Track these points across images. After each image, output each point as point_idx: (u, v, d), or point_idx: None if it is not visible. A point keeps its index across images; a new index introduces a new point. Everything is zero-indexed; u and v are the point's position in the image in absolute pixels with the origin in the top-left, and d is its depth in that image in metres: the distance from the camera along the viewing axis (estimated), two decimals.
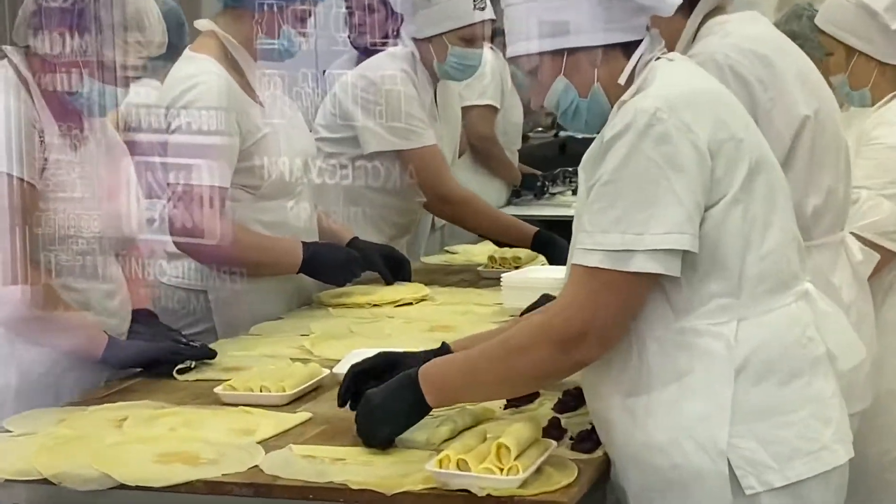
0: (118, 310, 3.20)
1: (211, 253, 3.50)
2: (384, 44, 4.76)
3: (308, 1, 3.58)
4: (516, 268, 4.18)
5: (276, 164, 3.58)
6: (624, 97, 2.39)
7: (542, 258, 4.28)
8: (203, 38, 3.67)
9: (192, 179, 3.43)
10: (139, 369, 3.12)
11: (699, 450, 2.32)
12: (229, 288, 3.61)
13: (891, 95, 3.39)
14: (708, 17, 3.04)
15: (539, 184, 6.28)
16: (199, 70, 3.56)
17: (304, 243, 3.68)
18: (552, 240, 4.24)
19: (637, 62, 2.45)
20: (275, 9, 3.54)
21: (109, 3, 3.01)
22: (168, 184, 3.48)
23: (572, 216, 2.49)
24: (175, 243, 3.51)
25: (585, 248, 2.29)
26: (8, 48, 3.03)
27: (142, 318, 3.28)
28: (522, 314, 3.08)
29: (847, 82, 3.40)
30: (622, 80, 2.43)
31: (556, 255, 4.08)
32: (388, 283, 3.96)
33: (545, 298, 3.17)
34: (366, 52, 4.95)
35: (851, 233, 3.18)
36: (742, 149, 2.34)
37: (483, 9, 4.18)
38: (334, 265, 3.75)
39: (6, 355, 2.98)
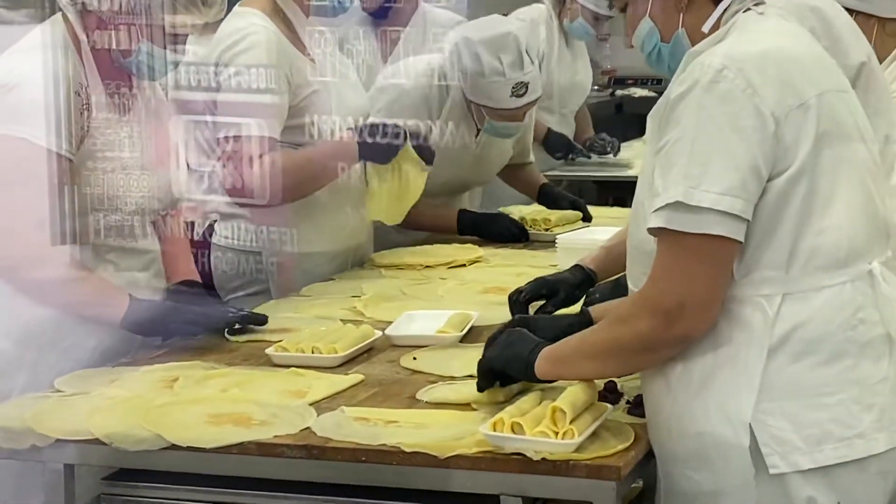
0: (153, 277, 3.21)
1: (263, 195, 3.49)
2: None
3: None
4: (546, 230, 4.27)
5: (326, 122, 3.57)
6: (698, 47, 2.36)
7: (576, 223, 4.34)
8: None
9: (239, 130, 3.43)
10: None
11: (724, 420, 2.29)
12: (282, 249, 3.61)
13: None
14: None
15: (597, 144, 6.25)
16: (247, 24, 3.55)
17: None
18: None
19: (724, 11, 2.41)
20: None
21: None
22: (217, 140, 3.48)
23: (629, 177, 2.48)
24: (228, 192, 3.51)
25: (654, 210, 2.27)
26: (63, 1, 3.02)
27: (185, 288, 3.27)
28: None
29: None
30: (706, 29, 2.40)
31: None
32: None
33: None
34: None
35: None
36: (809, 117, 2.28)
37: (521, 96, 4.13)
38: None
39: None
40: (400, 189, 3.73)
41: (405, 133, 3.67)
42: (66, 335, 2.98)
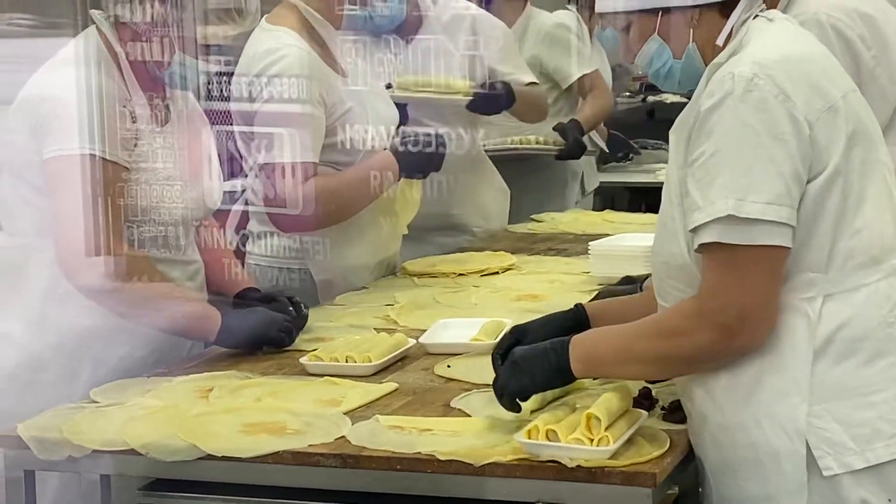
0: (198, 288, 3.23)
1: (305, 221, 3.52)
2: None
3: None
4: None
5: (363, 138, 3.58)
6: (718, 58, 2.36)
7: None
8: (281, 8, 3.64)
9: (282, 156, 3.43)
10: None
11: (777, 429, 2.29)
12: (316, 262, 3.65)
13: None
14: None
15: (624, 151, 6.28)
16: (280, 44, 3.52)
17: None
18: None
19: (735, 22, 2.42)
20: None
21: None
22: (260, 166, 3.49)
23: (661, 183, 2.48)
24: (269, 217, 3.54)
25: (699, 224, 2.26)
26: (96, 14, 3.03)
27: (249, 296, 3.29)
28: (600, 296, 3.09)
29: None
30: (720, 42, 2.40)
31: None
32: None
33: (628, 280, 3.18)
34: None
35: None
36: (839, 118, 2.30)
37: None
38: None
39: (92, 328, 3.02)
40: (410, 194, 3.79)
41: (444, 142, 3.69)
42: (103, 344, 3.00)
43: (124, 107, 3.00)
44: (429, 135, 3.68)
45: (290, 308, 3.19)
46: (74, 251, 2.89)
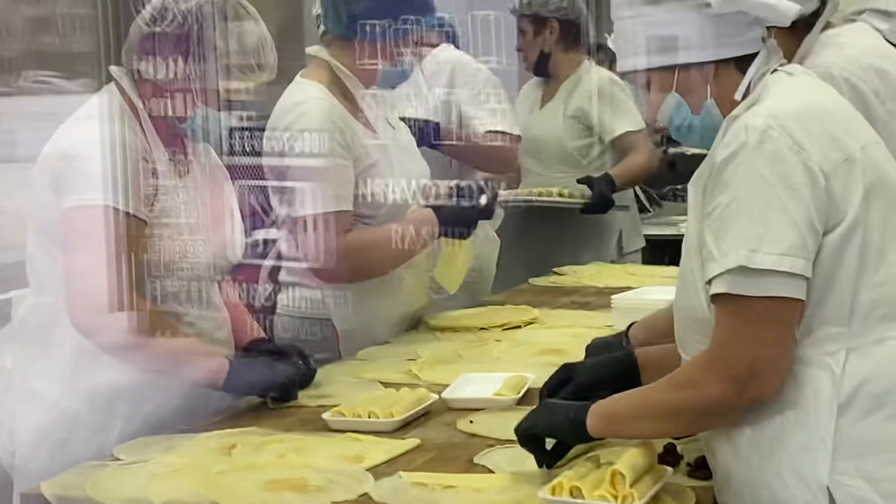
0: (226, 341, 3.24)
1: (343, 273, 3.58)
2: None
3: (416, 23, 3.61)
4: None
5: (384, 192, 3.60)
6: (735, 111, 2.37)
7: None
8: (313, 63, 3.72)
9: (317, 208, 3.46)
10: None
11: (801, 485, 2.27)
12: (345, 316, 3.67)
13: None
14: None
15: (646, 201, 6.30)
16: (308, 97, 3.60)
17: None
18: None
19: (753, 76, 2.43)
20: (388, 34, 3.58)
21: (224, 29, 3.05)
22: (295, 218, 3.51)
23: (683, 235, 2.48)
24: (311, 269, 3.57)
25: (715, 275, 2.26)
26: (115, 70, 3.06)
27: (259, 347, 3.30)
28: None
29: None
30: (738, 96, 2.41)
31: None
32: None
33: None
34: None
35: None
36: (856, 170, 2.29)
37: None
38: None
39: (113, 384, 3.02)
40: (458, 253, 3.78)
41: (488, 196, 3.73)
42: (134, 399, 3.01)
43: (145, 161, 3.01)
44: (471, 188, 3.71)
45: (299, 361, 3.20)
46: (92, 306, 2.90)
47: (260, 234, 3.66)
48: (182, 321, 3.10)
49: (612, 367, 2.68)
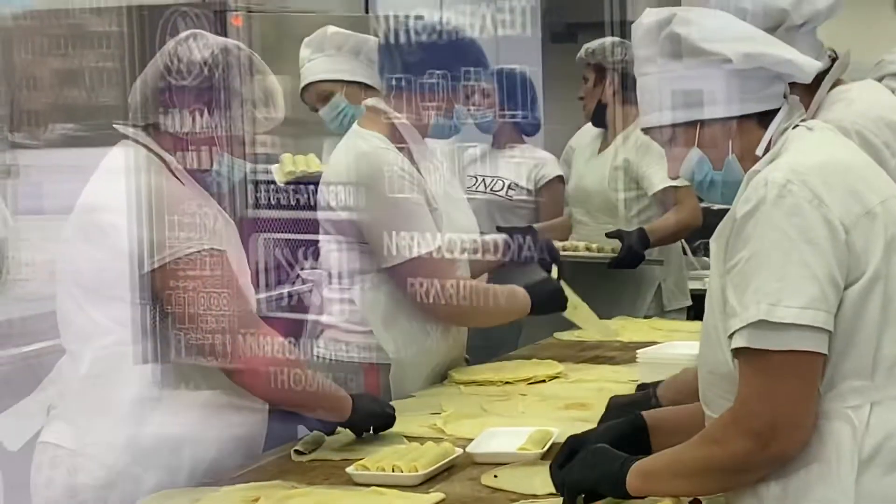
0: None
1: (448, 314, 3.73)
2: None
3: (472, 78, 3.65)
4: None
5: (441, 241, 3.64)
6: (756, 167, 2.37)
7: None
8: (371, 114, 3.77)
9: (420, 249, 3.52)
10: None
11: None
12: (383, 362, 3.72)
13: None
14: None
15: None
16: (373, 147, 3.66)
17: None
18: None
19: (774, 132, 2.44)
20: (444, 88, 3.62)
21: (239, 80, 3.07)
22: (393, 267, 3.58)
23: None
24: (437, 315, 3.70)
25: (736, 329, 2.26)
26: (129, 129, 3.05)
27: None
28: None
29: None
30: (759, 152, 2.42)
31: None
32: None
33: (643, 387, 3.18)
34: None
35: None
36: (877, 224, 2.30)
37: None
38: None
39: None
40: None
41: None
42: (193, 447, 3.02)
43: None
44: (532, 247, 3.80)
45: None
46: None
47: (286, 288, 3.67)
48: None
49: (621, 431, 2.64)
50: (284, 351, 2.98)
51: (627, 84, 5.38)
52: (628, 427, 2.65)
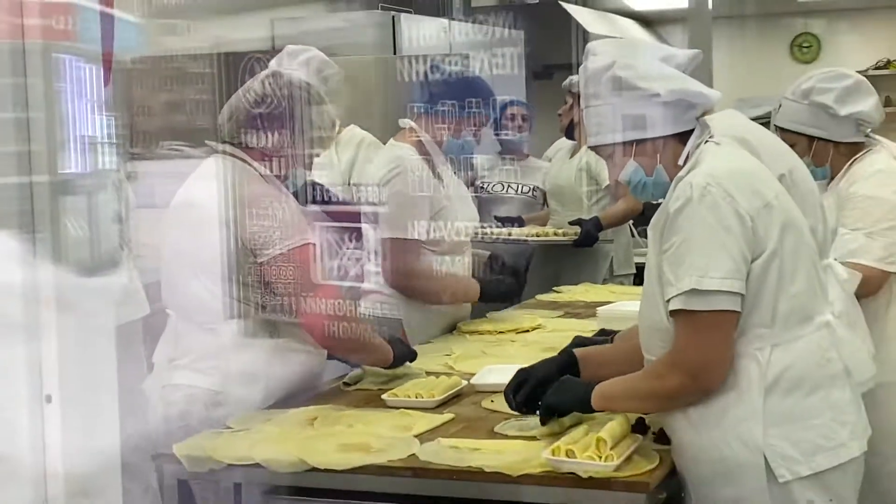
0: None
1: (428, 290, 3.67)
2: None
3: (483, 108, 3.65)
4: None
5: (452, 229, 3.66)
6: (681, 174, 2.38)
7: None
8: (403, 131, 3.78)
9: (395, 233, 3.54)
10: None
11: (741, 446, 2.29)
12: (409, 320, 3.71)
13: (849, 163, 3.34)
14: None
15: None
16: (405, 154, 3.68)
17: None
18: None
19: (690, 146, 2.44)
20: (461, 116, 3.65)
21: (301, 108, 3.07)
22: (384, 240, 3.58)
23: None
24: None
25: (672, 296, 2.28)
26: (222, 145, 3.03)
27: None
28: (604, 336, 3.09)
29: (812, 162, 3.33)
30: (681, 162, 2.42)
31: None
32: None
33: (602, 333, 3.17)
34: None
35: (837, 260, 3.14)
36: (773, 213, 2.32)
37: None
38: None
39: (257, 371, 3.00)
40: None
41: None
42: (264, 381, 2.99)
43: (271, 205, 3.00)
44: (513, 268, 3.78)
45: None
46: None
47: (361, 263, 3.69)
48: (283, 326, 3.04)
49: (556, 366, 2.64)
50: (336, 309, 2.98)
51: None
52: (564, 360, 2.67)
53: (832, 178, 3.43)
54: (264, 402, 2.96)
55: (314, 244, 2.97)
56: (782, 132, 3.38)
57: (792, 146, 3.20)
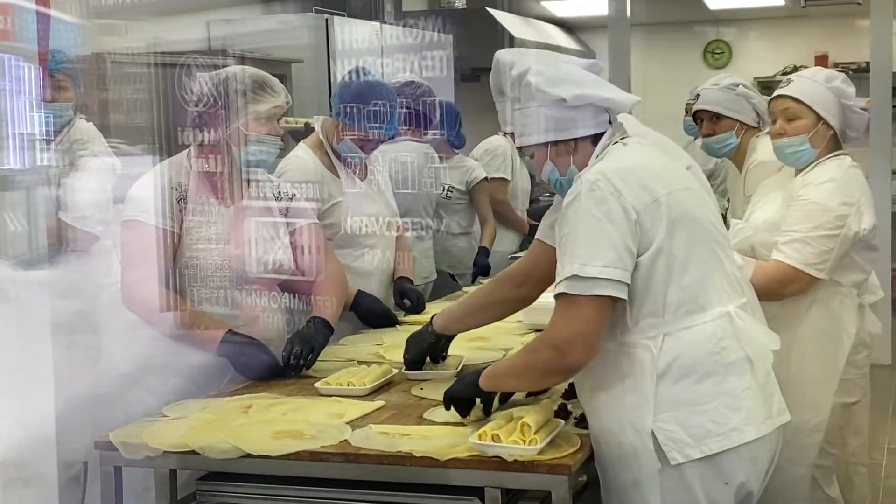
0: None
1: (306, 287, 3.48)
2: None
3: (381, 106, 3.61)
4: None
5: (345, 223, 3.63)
6: (582, 172, 2.40)
7: None
8: (313, 132, 3.77)
9: (295, 230, 3.40)
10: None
11: (634, 431, 2.31)
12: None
13: (814, 164, 3.34)
14: None
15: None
16: (294, 155, 3.70)
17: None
18: None
19: (600, 147, 2.46)
20: (358, 116, 3.60)
21: (245, 100, 3.04)
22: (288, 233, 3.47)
23: None
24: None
25: (558, 282, 2.31)
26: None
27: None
28: None
29: (809, 141, 3.32)
30: (591, 163, 2.44)
31: None
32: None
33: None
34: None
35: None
36: (661, 209, 2.32)
37: None
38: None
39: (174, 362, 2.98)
40: None
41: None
42: (171, 367, 2.96)
43: (175, 190, 3.02)
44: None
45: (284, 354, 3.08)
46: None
47: (271, 255, 3.63)
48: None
49: (424, 345, 2.95)
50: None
51: None
52: (428, 340, 2.98)
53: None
54: (197, 386, 2.93)
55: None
56: (793, 102, 3.29)
57: (792, 120, 3.26)
